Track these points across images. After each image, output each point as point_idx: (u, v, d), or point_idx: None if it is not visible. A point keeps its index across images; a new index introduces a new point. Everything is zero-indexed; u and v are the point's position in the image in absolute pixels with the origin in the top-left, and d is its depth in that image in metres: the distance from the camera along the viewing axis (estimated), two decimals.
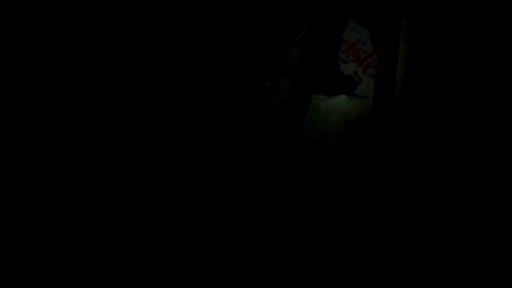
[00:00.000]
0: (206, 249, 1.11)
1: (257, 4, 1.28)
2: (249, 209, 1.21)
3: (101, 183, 1.18)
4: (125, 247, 1.10)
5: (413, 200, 1.17)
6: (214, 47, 1.28)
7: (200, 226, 1.15)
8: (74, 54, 1.27)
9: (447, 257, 1.10)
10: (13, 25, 1.21)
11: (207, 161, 1.28)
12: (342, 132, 1.30)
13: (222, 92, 1.31)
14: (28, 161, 1.19)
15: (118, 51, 1.29)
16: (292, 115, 1.23)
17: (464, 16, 1.11)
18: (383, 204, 1.19)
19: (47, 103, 1.26)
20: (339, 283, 1.09)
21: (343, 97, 1.26)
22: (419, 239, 1.13)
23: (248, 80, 1.31)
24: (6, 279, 1.01)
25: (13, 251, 1.06)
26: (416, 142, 1.18)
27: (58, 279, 1.03)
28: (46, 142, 1.22)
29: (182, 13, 1.27)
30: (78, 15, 1.25)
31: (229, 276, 1.09)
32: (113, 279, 1.04)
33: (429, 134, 1.18)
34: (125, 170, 1.22)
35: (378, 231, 1.16)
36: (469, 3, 1.09)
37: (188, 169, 1.25)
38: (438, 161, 1.17)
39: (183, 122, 1.30)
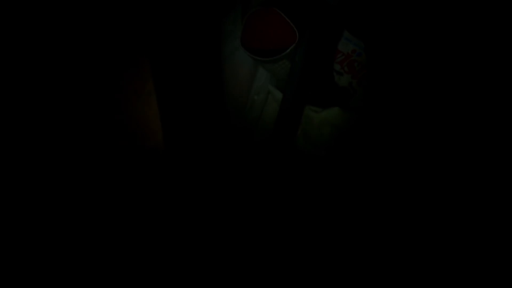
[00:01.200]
0: (201, 251, 1.12)
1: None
2: (245, 219, 1.21)
3: (99, 184, 1.18)
4: (123, 247, 1.10)
5: (406, 206, 1.16)
6: (203, 54, 1.26)
7: (195, 232, 1.16)
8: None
9: (443, 258, 1.10)
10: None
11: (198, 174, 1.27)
12: (335, 145, 1.28)
13: (212, 104, 1.29)
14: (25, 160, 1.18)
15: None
16: (283, 127, 1.21)
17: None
18: (377, 211, 1.18)
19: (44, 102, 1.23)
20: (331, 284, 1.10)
21: (336, 109, 1.23)
22: (414, 243, 1.13)
23: (238, 91, 1.29)
24: (5, 279, 1.01)
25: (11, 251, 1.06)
26: (408, 147, 1.18)
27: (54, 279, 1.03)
28: (45, 141, 1.21)
29: (171, 20, 1.25)
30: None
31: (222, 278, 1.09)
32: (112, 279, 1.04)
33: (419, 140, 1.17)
34: (122, 170, 1.21)
35: (373, 236, 1.16)
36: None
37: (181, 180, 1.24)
38: (430, 167, 1.17)
39: (178, 126, 1.29)
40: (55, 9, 1.06)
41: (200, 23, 1.22)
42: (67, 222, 1.12)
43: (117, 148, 1.15)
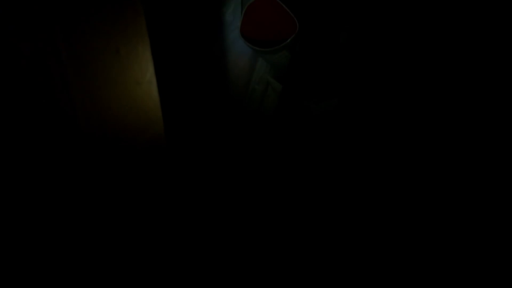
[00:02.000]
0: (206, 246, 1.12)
1: None
2: (243, 210, 1.20)
3: (96, 177, 1.16)
4: (122, 247, 1.09)
5: (404, 199, 1.17)
6: (203, 48, 1.25)
7: (194, 227, 1.15)
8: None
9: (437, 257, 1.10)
10: None
11: (200, 164, 1.26)
12: (334, 134, 1.28)
13: (212, 95, 1.29)
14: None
15: None
16: (283, 117, 1.21)
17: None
18: (376, 207, 1.19)
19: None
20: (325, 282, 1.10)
21: (335, 100, 1.23)
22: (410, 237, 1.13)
23: (238, 82, 1.28)
24: (5, 280, 1.00)
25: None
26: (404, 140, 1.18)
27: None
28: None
29: (174, 12, 1.24)
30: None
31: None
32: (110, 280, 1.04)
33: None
34: (121, 163, 1.19)
35: (371, 230, 1.16)
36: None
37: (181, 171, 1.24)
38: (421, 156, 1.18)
39: (177, 123, 1.28)
40: None
41: (200, 13, 1.21)
42: (60, 221, 1.11)
43: (116, 140, 1.14)
